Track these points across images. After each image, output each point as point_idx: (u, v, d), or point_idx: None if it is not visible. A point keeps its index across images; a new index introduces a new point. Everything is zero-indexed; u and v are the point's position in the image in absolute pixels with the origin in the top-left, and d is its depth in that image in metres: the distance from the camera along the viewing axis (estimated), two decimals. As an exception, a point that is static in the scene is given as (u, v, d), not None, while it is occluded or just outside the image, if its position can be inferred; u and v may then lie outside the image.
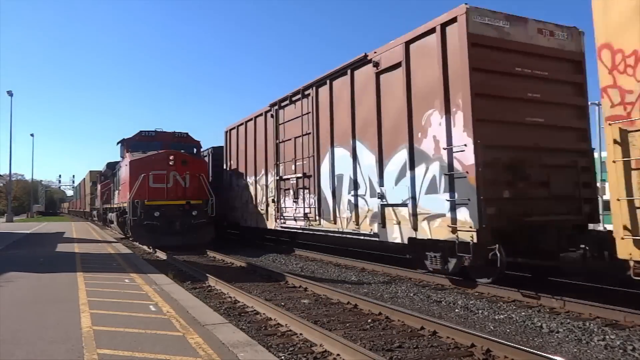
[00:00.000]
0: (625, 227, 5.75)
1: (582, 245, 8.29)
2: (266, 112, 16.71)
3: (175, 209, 17.83)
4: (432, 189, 9.32)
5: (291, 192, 14.78)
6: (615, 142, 5.85)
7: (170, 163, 18.08)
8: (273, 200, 15.99)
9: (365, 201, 11.35)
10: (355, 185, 11.72)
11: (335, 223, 12.51)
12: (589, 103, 10.26)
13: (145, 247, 18.56)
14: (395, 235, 10.29)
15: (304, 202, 13.98)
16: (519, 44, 9.05)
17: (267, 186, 16.67)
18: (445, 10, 9.19)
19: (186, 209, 17.93)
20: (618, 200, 5.82)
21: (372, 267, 12.37)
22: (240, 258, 15.06)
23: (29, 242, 19.44)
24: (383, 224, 10.64)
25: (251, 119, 18.11)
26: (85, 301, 7.16)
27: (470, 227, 8.37)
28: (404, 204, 10.02)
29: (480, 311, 7.80)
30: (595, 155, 10.02)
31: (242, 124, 19.07)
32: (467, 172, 8.49)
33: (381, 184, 10.72)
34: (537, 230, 8.62)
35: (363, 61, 11.43)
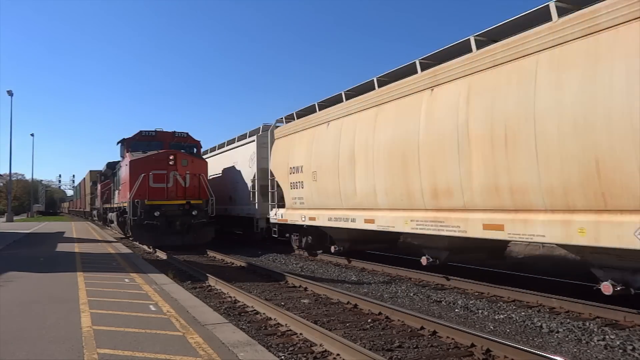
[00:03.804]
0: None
1: None
2: None
3: (175, 209, 17.82)
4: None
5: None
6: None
7: (171, 163, 18.07)
8: None
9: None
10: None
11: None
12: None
13: (145, 247, 18.57)
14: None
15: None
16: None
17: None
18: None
19: (186, 209, 17.92)
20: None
21: (372, 267, 12.38)
22: (240, 258, 15.07)
23: (29, 241, 19.44)
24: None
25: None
26: (85, 301, 7.16)
27: None
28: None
29: (480, 311, 7.80)
30: None
31: None
32: None
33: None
34: None
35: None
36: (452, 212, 8.85)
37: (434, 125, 9.16)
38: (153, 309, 6.70)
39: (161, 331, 5.50)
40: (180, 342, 5.10)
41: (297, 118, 15.09)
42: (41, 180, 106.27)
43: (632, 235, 6.01)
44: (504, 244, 10.23)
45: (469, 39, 8.77)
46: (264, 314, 7.55)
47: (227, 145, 22.77)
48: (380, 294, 9.34)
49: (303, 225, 14.45)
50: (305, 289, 9.72)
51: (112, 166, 26.24)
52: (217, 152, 24.03)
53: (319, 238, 14.58)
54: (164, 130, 20.28)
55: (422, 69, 9.90)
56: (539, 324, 6.91)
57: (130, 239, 20.28)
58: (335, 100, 13.23)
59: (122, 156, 20.93)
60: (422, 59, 10.06)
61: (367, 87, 11.73)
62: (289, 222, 15.07)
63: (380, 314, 7.42)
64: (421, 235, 9.86)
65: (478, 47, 8.57)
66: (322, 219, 13.09)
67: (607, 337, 6.21)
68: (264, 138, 17.44)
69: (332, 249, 13.66)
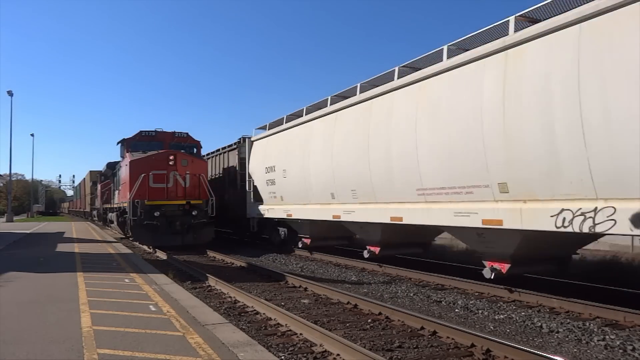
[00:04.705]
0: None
1: None
2: None
3: (175, 209, 17.83)
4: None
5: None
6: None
7: (171, 163, 18.07)
8: None
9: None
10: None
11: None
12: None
13: (145, 247, 18.57)
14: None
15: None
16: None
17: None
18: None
19: (186, 209, 17.93)
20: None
21: (372, 267, 12.38)
22: (240, 258, 15.06)
23: (29, 242, 19.43)
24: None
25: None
26: (85, 301, 7.15)
27: None
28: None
29: (480, 311, 7.80)
30: None
31: None
32: None
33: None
34: None
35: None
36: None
37: None
38: (153, 309, 6.70)
39: (161, 331, 5.50)
40: (180, 342, 5.10)
41: None
42: (41, 180, 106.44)
43: None
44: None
45: None
46: (264, 314, 7.55)
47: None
48: (380, 294, 9.34)
49: None
50: (305, 289, 9.72)
51: (112, 166, 26.23)
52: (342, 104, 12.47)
53: None
54: (164, 131, 20.28)
55: None
56: (539, 324, 6.91)
57: (130, 239, 20.27)
58: None
59: (122, 156, 20.93)
60: None
61: None
62: None
63: (380, 314, 7.42)
64: None
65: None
66: None
67: (607, 337, 6.20)
68: None
69: None
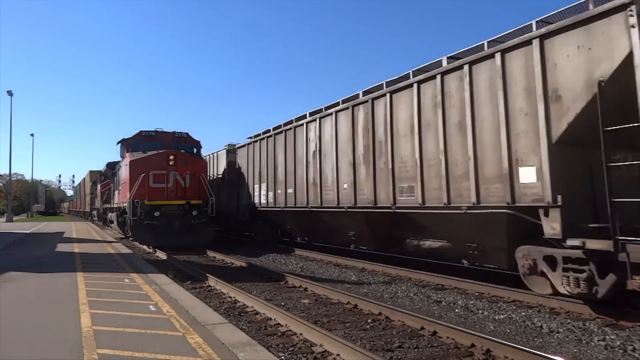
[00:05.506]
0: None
1: None
2: None
3: (175, 209, 17.85)
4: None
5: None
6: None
7: (171, 163, 18.10)
8: None
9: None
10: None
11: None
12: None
13: (145, 247, 18.57)
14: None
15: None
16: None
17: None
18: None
19: (186, 209, 17.95)
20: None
21: (372, 267, 12.38)
22: (240, 258, 15.06)
23: (28, 241, 19.43)
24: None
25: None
26: (85, 301, 7.15)
27: None
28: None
29: (480, 311, 7.80)
30: None
31: None
32: None
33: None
34: None
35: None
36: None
37: None
38: (153, 309, 6.70)
39: (161, 331, 5.50)
40: (180, 342, 5.09)
41: None
42: (41, 181, 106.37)
43: None
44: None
45: None
46: (264, 314, 7.55)
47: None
48: (380, 294, 9.34)
49: None
50: (305, 289, 9.72)
51: (112, 166, 26.26)
52: None
53: None
54: (164, 130, 20.31)
55: None
56: (539, 324, 6.91)
57: (130, 239, 20.28)
58: None
59: (122, 156, 20.94)
60: None
61: None
62: None
63: (380, 314, 7.42)
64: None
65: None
66: None
67: (607, 337, 6.20)
68: None
69: None
